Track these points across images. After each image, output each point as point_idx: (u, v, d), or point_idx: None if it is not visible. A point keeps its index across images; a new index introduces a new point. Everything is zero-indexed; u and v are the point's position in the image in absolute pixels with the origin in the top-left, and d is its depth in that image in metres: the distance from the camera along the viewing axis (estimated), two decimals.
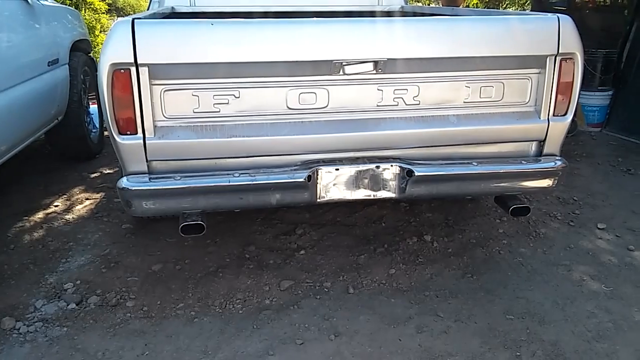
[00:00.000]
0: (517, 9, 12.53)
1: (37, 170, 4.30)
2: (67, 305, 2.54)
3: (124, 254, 3.01)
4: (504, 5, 12.73)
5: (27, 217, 3.46)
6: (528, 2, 11.47)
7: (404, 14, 4.02)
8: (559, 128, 2.47)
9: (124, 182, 2.19)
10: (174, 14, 3.69)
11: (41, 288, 2.69)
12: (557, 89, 2.40)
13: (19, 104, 3.23)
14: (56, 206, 3.65)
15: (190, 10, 3.84)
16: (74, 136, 4.29)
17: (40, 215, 3.51)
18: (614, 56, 5.52)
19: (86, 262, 2.92)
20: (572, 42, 2.35)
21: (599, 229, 3.32)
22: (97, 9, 10.13)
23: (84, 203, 3.71)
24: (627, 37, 5.49)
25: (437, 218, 3.41)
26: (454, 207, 3.53)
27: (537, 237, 3.19)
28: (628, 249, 3.08)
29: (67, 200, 3.76)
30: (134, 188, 2.18)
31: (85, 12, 9.38)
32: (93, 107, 4.71)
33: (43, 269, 2.86)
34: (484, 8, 12.11)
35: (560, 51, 2.33)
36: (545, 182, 2.52)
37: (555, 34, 2.32)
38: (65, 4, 7.90)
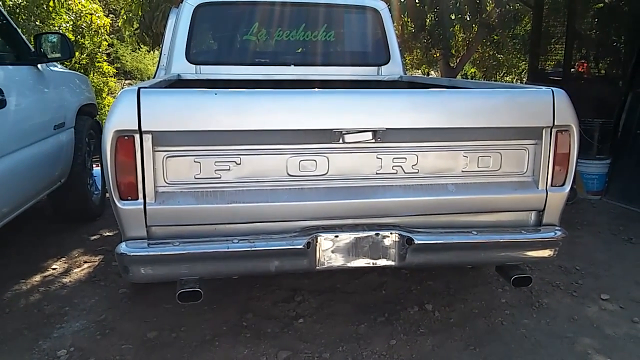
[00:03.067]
0: (513, 78, 12.86)
1: (37, 231, 4.30)
2: None
3: (120, 320, 2.95)
4: (501, 74, 13.06)
5: (24, 280, 3.43)
6: (524, 71, 11.80)
7: (403, 84, 4.12)
8: (558, 198, 2.49)
9: (122, 247, 2.18)
10: (180, 82, 3.80)
11: (34, 355, 2.62)
12: (554, 160, 2.43)
13: (24, 166, 3.28)
14: (54, 269, 3.63)
15: (196, 78, 3.95)
16: (76, 198, 4.32)
17: (37, 278, 3.48)
18: (611, 125, 5.61)
19: (81, 328, 2.87)
20: (567, 115, 2.39)
21: (602, 299, 3.26)
22: (105, 72, 10.43)
23: (82, 266, 3.68)
24: (623, 107, 5.61)
25: (438, 286, 3.36)
26: (455, 275, 3.49)
27: (540, 308, 3.14)
28: (633, 320, 3.02)
29: (65, 262, 3.74)
30: (132, 254, 2.17)
31: (93, 75, 9.65)
32: (96, 170, 4.75)
33: (37, 334, 2.80)
34: (482, 77, 12.43)
35: (555, 123, 2.38)
36: (546, 252, 2.51)
37: (550, 107, 2.37)
38: (75, 68, 8.16)
